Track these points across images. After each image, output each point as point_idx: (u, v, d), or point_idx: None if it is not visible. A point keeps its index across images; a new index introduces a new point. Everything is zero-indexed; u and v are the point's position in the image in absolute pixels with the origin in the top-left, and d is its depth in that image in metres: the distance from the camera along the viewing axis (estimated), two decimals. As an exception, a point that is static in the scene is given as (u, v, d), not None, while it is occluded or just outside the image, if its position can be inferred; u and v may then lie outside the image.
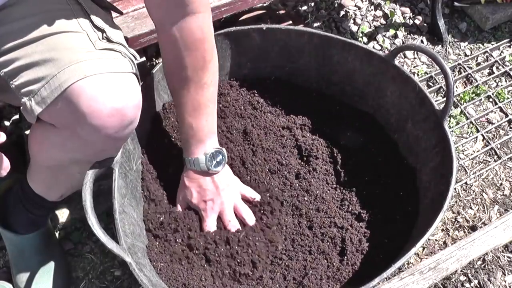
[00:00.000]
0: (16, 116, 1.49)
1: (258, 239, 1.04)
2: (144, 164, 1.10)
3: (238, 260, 1.02)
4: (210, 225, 1.05)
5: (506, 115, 1.53)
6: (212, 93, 1.00)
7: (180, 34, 0.91)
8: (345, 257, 1.04)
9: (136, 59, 0.90)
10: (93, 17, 0.87)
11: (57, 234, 1.28)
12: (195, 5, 0.90)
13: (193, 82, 0.96)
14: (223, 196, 1.05)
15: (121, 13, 1.08)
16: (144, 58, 1.38)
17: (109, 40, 0.85)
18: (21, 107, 0.82)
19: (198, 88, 0.97)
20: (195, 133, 1.01)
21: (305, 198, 1.12)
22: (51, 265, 1.19)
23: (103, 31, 0.86)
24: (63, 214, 1.29)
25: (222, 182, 1.05)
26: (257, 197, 1.09)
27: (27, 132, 1.36)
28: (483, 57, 1.67)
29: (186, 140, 1.03)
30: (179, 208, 1.07)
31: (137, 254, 0.95)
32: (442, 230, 1.32)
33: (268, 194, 1.11)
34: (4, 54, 0.82)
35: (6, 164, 0.75)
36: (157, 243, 1.04)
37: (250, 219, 1.07)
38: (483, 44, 1.70)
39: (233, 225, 1.05)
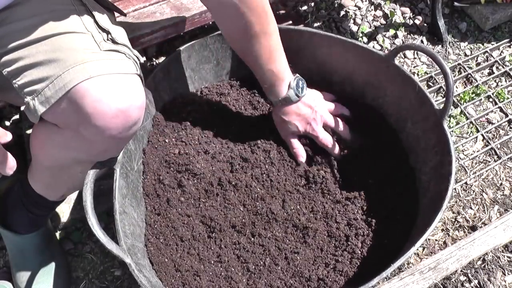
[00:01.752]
0: (17, 116, 1.49)
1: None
2: (145, 164, 1.10)
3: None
4: (325, 137, 1.15)
5: (506, 115, 1.53)
6: (277, 37, 1.06)
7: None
8: (345, 256, 1.04)
9: (139, 60, 0.90)
10: (97, 18, 0.87)
11: (57, 234, 1.28)
12: None
13: (262, 35, 1.02)
14: (319, 110, 1.14)
15: (123, 14, 1.08)
16: (144, 58, 1.38)
17: (114, 41, 0.85)
18: (24, 107, 0.83)
19: (267, 38, 1.03)
20: (277, 76, 1.08)
21: (305, 197, 1.12)
22: (51, 265, 1.19)
23: (108, 32, 0.86)
24: (63, 214, 1.30)
25: (311, 100, 1.14)
26: (341, 107, 1.21)
27: (28, 132, 1.36)
28: (483, 57, 1.67)
29: (270, 85, 1.10)
30: (294, 143, 1.16)
31: (137, 254, 0.96)
32: (442, 230, 1.32)
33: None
34: (8, 53, 0.83)
35: (13, 163, 0.76)
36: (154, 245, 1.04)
37: (341, 127, 1.19)
38: (483, 44, 1.70)
39: (338, 121, 1.18)
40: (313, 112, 1.14)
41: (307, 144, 1.19)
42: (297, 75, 1.12)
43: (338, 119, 1.19)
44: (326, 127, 1.17)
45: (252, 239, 1.08)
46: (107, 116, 0.78)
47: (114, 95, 0.78)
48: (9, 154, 0.75)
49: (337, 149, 1.18)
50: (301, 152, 1.16)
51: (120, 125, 0.80)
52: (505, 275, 1.24)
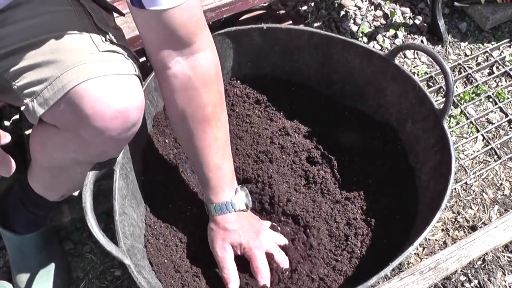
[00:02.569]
0: (16, 116, 1.49)
1: None
2: (145, 164, 1.10)
3: None
4: (265, 261, 0.99)
5: (506, 115, 1.53)
6: (227, 128, 0.96)
7: (194, 72, 0.87)
8: (345, 256, 1.04)
9: (138, 61, 0.90)
10: (96, 19, 0.87)
11: (57, 234, 1.28)
12: (203, 41, 0.87)
13: (214, 120, 0.91)
14: (264, 225, 1.03)
15: (122, 14, 1.08)
16: (144, 59, 1.38)
17: (112, 42, 0.85)
18: (23, 108, 0.82)
19: (219, 126, 0.93)
20: (224, 174, 0.95)
21: (305, 197, 1.12)
22: (51, 265, 1.19)
23: (106, 33, 0.86)
24: (63, 214, 1.29)
25: (254, 216, 1.04)
26: (279, 230, 1.07)
27: (27, 132, 1.36)
28: (483, 57, 1.67)
29: (215, 185, 0.96)
30: (224, 254, 0.98)
31: (136, 255, 0.95)
32: (442, 230, 1.32)
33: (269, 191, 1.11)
34: (7, 55, 0.82)
35: (12, 164, 0.76)
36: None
37: (281, 256, 1.03)
38: (483, 44, 1.70)
39: (282, 256, 1.02)
40: (261, 224, 1.02)
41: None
42: (242, 185, 1.02)
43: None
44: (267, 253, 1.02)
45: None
46: (106, 117, 0.78)
47: (113, 96, 0.78)
48: (8, 156, 0.75)
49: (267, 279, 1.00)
50: (233, 277, 0.99)
51: (119, 126, 0.80)
52: (505, 275, 1.24)
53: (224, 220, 0.98)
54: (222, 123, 0.94)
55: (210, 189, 0.97)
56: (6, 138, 0.72)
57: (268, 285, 0.99)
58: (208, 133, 0.92)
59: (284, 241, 1.05)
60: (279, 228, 1.08)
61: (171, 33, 0.83)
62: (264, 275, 0.99)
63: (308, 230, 1.08)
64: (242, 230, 0.98)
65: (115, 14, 1.04)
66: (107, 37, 0.85)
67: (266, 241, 1.00)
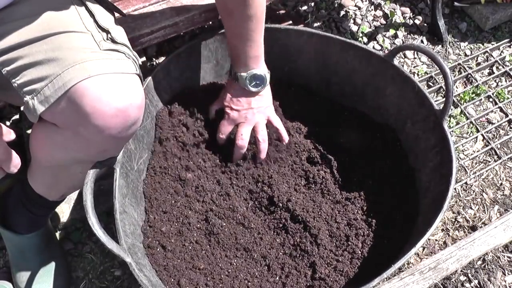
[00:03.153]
0: (16, 116, 1.49)
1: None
2: (145, 163, 1.10)
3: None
4: (224, 130, 1.13)
5: (506, 115, 1.53)
6: (255, 24, 1.04)
7: None
8: (345, 256, 1.04)
9: (138, 60, 0.90)
10: (97, 18, 0.87)
11: (57, 234, 1.28)
12: None
13: (236, 14, 1.01)
14: (249, 113, 1.11)
15: (123, 14, 1.08)
16: (144, 58, 1.38)
17: (113, 41, 0.85)
18: (23, 106, 0.82)
19: (241, 20, 1.02)
20: (239, 54, 1.07)
21: (305, 197, 1.12)
22: (51, 265, 1.19)
23: (107, 32, 0.86)
24: (63, 214, 1.30)
25: (256, 102, 1.11)
26: (280, 129, 1.15)
27: (28, 132, 1.36)
28: (483, 57, 1.67)
29: (234, 59, 1.10)
30: (214, 104, 1.15)
31: (137, 254, 0.96)
32: (442, 230, 1.32)
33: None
34: (7, 52, 0.82)
35: (18, 161, 0.76)
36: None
37: (263, 145, 1.13)
38: (483, 44, 1.70)
39: (242, 141, 1.11)
40: (247, 109, 1.12)
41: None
42: (265, 75, 1.10)
43: (265, 142, 1.14)
44: (255, 132, 1.13)
45: (254, 238, 1.08)
46: (107, 116, 0.78)
47: (114, 95, 0.78)
48: (14, 152, 0.76)
49: (239, 155, 1.14)
50: (222, 129, 1.14)
51: (120, 124, 0.80)
52: (505, 275, 1.24)
53: (229, 82, 1.14)
54: (246, 18, 1.02)
55: (231, 57, 1.12)
56: (11, 134, 0.73)
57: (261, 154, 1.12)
58: (230, 23, 1.04)
59: (278, 123, 1.15)
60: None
61: None
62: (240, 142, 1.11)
63: (308, 230, 1.09)
64: (233, 97, 1.11)
65: (116, 14, 1.04)
66: (109, 35, 0.86)
67: (251, 119, 1.12)
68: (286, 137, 1.17)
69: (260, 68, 1.09)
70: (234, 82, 1.11)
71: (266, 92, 1.13)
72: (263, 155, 1.14)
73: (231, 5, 1.01)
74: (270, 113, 1.15)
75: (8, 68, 0.82)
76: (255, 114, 1.12)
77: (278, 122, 1.16)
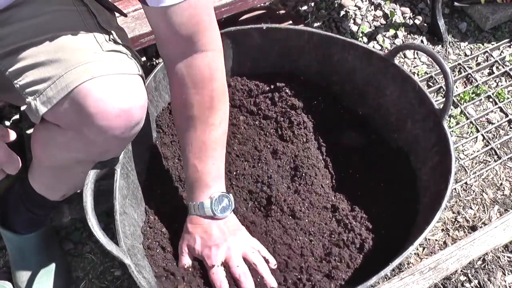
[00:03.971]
0: (16, 116, 1.49)
1: None
2: (146, 164, 1.10)
3: None
4: (217, 272, 0.94)
5: (506, 115, 1.53)
6: (220, 135, 0.96)
7: (187, 71, 0.90)
8: (345, 256, 1.04)
9: (140, 61, 0.90)
10: (99, 19, 0.87)
11: (57, 234, 1.28)
12: (204, 42, 0.88)
13: (199, 122, 0.93)
14: (230, 241, 0.96)
15: (124, 14, 1.08)
16: (144, 58, 1.38)
17: (115, 41, 0.86)
18: (25, 107, 0.83)
19: (204, 129, 0.93)
20: (200, 176, 0.96)
21: (306, 198, 1.12)
22: (51, 265, 1.19)
23: (109, 33, 0.86)
24: (63, 214, 1.29)
25: (229, 228, 0.98)
26: (267, 255, 1.00)
27: (28, 132, 1.36)
28: (483, 57, 1.67)
29: (191, 184, 0.98)
30: (183, 259, 0.99)
31: (136, 255, 0.95)
32: (442, 230, 1.32)
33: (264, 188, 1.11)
34: (10, 54, 0.83)
35: (18, 162, 0.76)
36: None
37: (263, 266, 0.96)
38: (483, 44, 1.70)
39: (242, 271, 0.94)
40: (223, 240, 0.96)
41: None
42: (230, 195, 0.98)
43: (262, 260, 0.99)
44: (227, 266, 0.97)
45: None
46: (110, 116, 0.78)
47: (117, 95, 0.78)
48: (14, 153, 0.76)
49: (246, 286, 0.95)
50: (220, 278, 0.95)
51: (123, 125, 0.80)
52: (505, 275, 1.24)
53: (190, 219, 1.00)
54: (210, 126, 0.94)
55: (187, 187, 1.00)
56: (11, 135, 0.73)
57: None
58: (191, 132, 0.94)
59: (258, 245, 1.00)
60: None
61: (173, 30, 0.85)
62: (217, 284, 0.95)
63: (308, 230, 1.08)
64: (202, 235, 0.96)
65: (116, 14, 1.04)
66: (111, 36, 0.86)
67: (228, 250, 0.95)
68: (272, 261, 1.00)
69: (223, 188, 0.98)
70: (196, 216, 0.97)
71: (233, 216, 1.01)
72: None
73: (196, 110, 0.91)
74: (247, 236, 1.01)
75: (11, 69, 0.82)
76: (234, 241, 0.97)
77: (259, 245, 1.00)
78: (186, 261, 0.99)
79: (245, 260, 0.97)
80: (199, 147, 0.94)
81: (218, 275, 0.95)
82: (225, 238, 0.96)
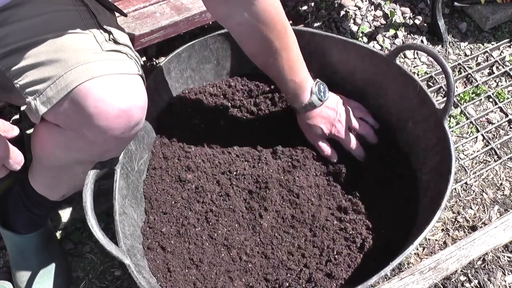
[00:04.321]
0: (17, 116, 1.49)
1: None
2: (146, 165, 1.10)
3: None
4: (349, 139, 1.16)
5: (506, 115, 1.53)
6: (297, 49, 1.06)
7: (256, 18, 0.95)
8: (345, 256, 1.04)
9: (140, 61, 0.90)
10: (99, 19, 0.87)
11: (57, 234, 1.28)
12: None
13: (282, 50, 1.02)
14: (342, 113, 1.15)
15: (124, 14, 1.08)
16: (144, 58, 1.38)
17: (115, 41, 0.85)
18: (25, 107, 0.82)
19: (288, 52, 1.04)
20: (299, 85, 1.09)
21: (306, 198, 1.12)
22: (51, 265, 1.18)
23: (109, 33, 0.86)
24: (63, 214, 1.29)
25: (334, 103, 1.15)
26: (363, 110, 1.20)
27: (28, 132, 1.36)
28: (483, 57, 1.67)
29: (294, 94, 1.10)
30: (324, 147, 1.16)
31: (136, 255, 0.95)
32: (442, 230, 1.32)
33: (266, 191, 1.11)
34: (10, 54, 0.83)
35: (20, 158, 0.76)
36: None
37: (369, 118, 1.20)
38: (483, 44, 1.70)
39: (363, 127, 1.18)
40: (337, 114, 1.15)
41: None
42: (318, 80, 1.13)
43: (362, 121, 1.19)
44: (350, 129, 1.17)
45: (254, 239, 1.08)
46: (110, 116, 0.78)
47: (117, 95, 0.78)
48: (16, 149, 0.76)
49: (361, 151, 1.18)
50: (332, 154, 1.17)
51: (123, 125, 0.80)
52: (505, 275, 1.24)
53: (306, 116, 1.14)
54: (291, 48, 1.04)
55: (290, 98, 1.13)
56: (14, 131, 0.73)
57: (360, 154, 1.18)
58: (278, 61, 1.04)
59: (354, 108, 1.19)
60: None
61: None
62: (353, 148, 1.17)
63: (308, 230, 1.08)
64: (322, 122, 1.14)
65: (116, 14, 1.04)
66: (111, 36, 0.86)
67: (345, 120, 1.16)
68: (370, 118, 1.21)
69: (310, 77, 1.11)
70: (310, 111, 1.13)
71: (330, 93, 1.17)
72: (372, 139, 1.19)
73: (277, 43, 1.01)
74: (341, 97, 1.18)
75: (11, 69, 0.82)
76: (343, 109, 1.16)
77: (352, 102, 1.19)
78: (326, 147, 1.17)
79: (354, 114, 1.18)
80: (290, 67, 1.06)
81: (352, 141, 1.17)
82: (337, 111, 1.15)
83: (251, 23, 0.95)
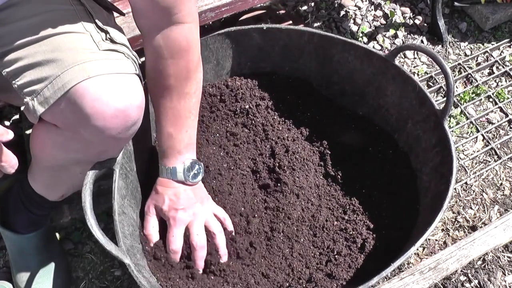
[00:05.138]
0: (16, 116, 1.49)
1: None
2: (145, 164, 1.10)
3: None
4: (177, 235, 0.99)
5: (506, 115, 1.53)
6: (194, 104, 0.99)
7: (165, 42, 0.91)
8: (346, 256, 1.04)
9: (138, 60, 0.90)
10: (96, 18, 0.87)
11: (57, 234, 1.28)
12: (182, 15, 0.89)
13: (175, 92, 0.96)
14: (196, 208, 1.01)
15: (122, 14, 1.08)
16: (143, 58, 1.38)
17: (112, 41, 0.85)
18: (23, 107, 0.82)
19: (180, 98, 0.96)
20: (174, 143, 0.99)
21: (305, 198, 1.12)
22: (51, 265, 1.18)
23: (106, 32, 0.86)
24: (63, 214, 1.29)
25: (197, 195, 1.02)
26: (226, 218, 1.06)
27: (28, 132, 1.36)
28: (483, 57, 1.67)
29: (164, 149, 1.01)
30: (150, 220, 1.02)
31: (136, 255, 0.95)
32: (442, 230, 1.32)
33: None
34: (7, 54, 0.82)
35: (15, 161, 0.76)
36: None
37: (221, 237, 1.02)
38: (483, 44, 1.70)
39: (200, 240, 1.00)
40: (190, 205, 1.00)
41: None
42: (201, 163, 1.03)
43: (221, 230, 1.04)
44: (206, 229, 1.02)
45: (254, 239, 1.08)
46: (107, 116, 0.78)
47: (113, 95, 0.78)
48: (10, 153, 0.75)
49: (198, 256, 1.00)
50: (153, 238, 1.01)
51: (120, 125, 0.80)
52: (505, 275, 1.24)
53: (161, 182, 1.02)
54: (185, 96, 0.96)
55: (160, 152, 1.02)
56: (9, 134, 0.72)
57: (196, 258, 1.00)
58: (166, 101, 0.96)
59: (223, 214, 1.05)
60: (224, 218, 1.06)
61: (153, 2, 0.86)
62: (170, 246, 0.99)
63: (308, 230, 1.08)
64: (172, 197, 1.00)
65: (115, 14, 1.04)
66: (108, 36, 0.85)
67: (194, 215, 1.00)
68: (232, 230, 1.06)
69: (194, 154, 1.02)
70: (167, 181, 1.01)
71: (201, 183, 1.06)
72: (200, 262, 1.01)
73: (172, 80, 0.94)
74: (213, 204, 1.06)
75: (8, 69, 0.82)
76: (201, 208, 1.02)
77: (223, 213, 1.06)
78: (153, 221, 1.02)
79: (207, 228, 1.02)
80: (174, 116, 0.97)
81: (176, 239, 0.99)
82: (191, 204, 1.00)
83: (158, 44, 0.90)
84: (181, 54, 0.93)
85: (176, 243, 0.99)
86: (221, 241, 1.02)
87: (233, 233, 1.06)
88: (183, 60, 0.94)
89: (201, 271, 1.01)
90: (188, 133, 1.00)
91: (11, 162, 0.75)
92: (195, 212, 1.00)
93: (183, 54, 0.93)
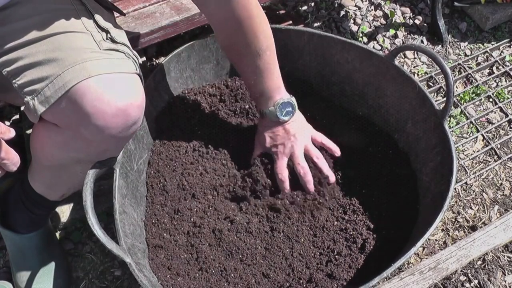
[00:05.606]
0: (17, 116, 1.49)
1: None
2: (145, 164, 1.10)
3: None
4: (280, 167, 1.10)
5: (506, 115, 1.53)
6: (269, 56, 1.05)
7: (228, 12, 0.96)
8: (346, 257, 1.04)
9: (138, 59, 0.90)
10: (97, 18, 0.87)
11: (57, 234, 1.28)
12: None
13: (250, 52, 1.03)
14: (293, 140, 1.10)
15: (123, 14, 1.08)
16: (144, 58, 1.38)
17: (113, 40, 0.85)
18: (24, 107, 0.83)
19: (255, 56, 1.04)
20: (263, 92, 1.08)
21: (305, 198, 1.12)
22: (51, 265, 1.19)
23: (107, 32, 0.86)
24: (63, 214, 1.29)
25: (293, 129, 1.11)
26: (331, 146, 1.14)
27: (28, 131, 1.36)
28: (483, 57, 1.67)
29: (257, 97, 1.11)
30: (256, 151, 1.14)
31: (137, 254, 0.95)
32: (442, 230, 1.32)
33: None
34: (8, 53, 0.83)
35: (17, 159, 0.76)
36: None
37: (322, 162, 1.11)
38: (483, 44, 1.70)
39: (302, 168, 1.09)
40: (287, 139, 1.11)
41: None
42: (293, 100, 1.10)
43: (320, 155, 1.13)
44: (306, 157, 1.12)
45: (253, 240, 1.08)
46: (107, 115, 0.78)
47: (114, 94, 0.78)
48: (13, 150, 0.75)
49: (305, 181, 1.11)
50: (282, 173, 1.11)
51: (120, 124, 0.80)
52: (505, 275, 1.24)
53: (262, 122, 1.13)
54: (259, 54, 1.04)
55: (255, 100, 1.14)
56: (11, 132, 0.73)
57: (309, 186, 1.10)
58: (245, 61, 1.05)
59: (321, 137, 1.14)
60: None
61: None
62: (279, 177, 1.10)
63: (308, 230, 1.08)
64: (270, 135, 1.12)
65: (115, 14, 1.04)
66: (108, 35, 0.86)
67: (292, 147, 1.10)
68: (336, 150, 1.15)
69: (285, 95, 1.10)
70: (265, 120, 1.11)
71: (298, 116, 1.13)
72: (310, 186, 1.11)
73: (242, 45, 1.01)
74: (311, 132, 1.14)
75: (9, 68, 0.82)
76: (298, 140, 1.11)
77: (322, 137, 1.15)
78: (258, 153, 1.14)
79: (308, 155, 1.11)
80: (255, 72, 1.06)
81: (282, 170, 1.10)
82: (289, 137, 1.11)
83: (222, 15, 0.97)
84: (254, 23, 1.00)
85: (282, 173, 1.10)
86: (322, 164, 1.11)
87: (337, 153, 1.14)
88: (257, 26, 1.00)
89: (312, 192, 1.10)
90: (272, 80, 1.08)
91: (13, 159, 0.76)
92: (293, 145, 1.10)
93: (255, 22, 1.00)
